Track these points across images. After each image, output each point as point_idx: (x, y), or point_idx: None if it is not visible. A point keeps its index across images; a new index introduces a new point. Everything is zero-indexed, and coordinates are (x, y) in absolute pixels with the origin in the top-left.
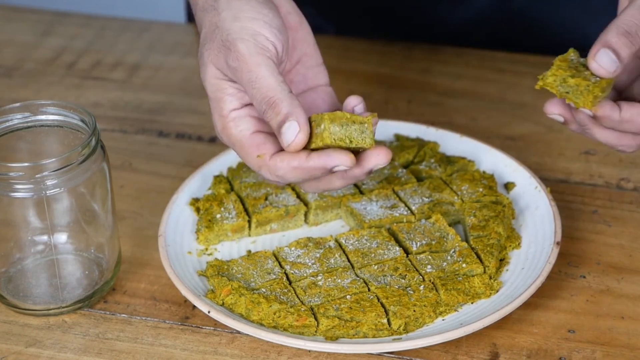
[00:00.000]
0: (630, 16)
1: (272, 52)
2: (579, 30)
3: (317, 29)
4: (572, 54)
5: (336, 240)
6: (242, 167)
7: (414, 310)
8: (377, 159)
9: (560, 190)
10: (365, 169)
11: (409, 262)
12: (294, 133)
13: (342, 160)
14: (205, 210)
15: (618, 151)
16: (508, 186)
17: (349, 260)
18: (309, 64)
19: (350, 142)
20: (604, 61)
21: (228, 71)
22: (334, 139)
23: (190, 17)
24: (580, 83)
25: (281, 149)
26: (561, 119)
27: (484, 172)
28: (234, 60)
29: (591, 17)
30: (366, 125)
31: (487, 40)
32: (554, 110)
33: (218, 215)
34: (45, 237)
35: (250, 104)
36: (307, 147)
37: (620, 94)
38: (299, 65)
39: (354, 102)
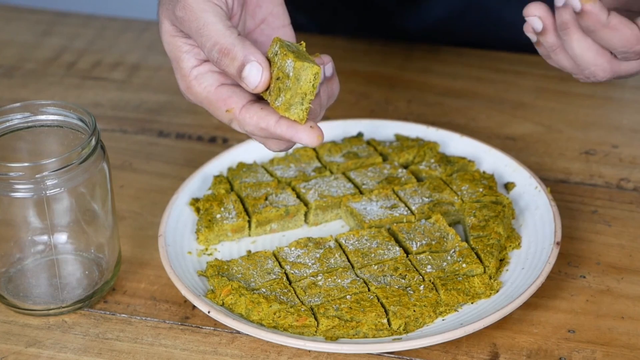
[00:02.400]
0: None
1: (221, 0)
2: None
3: (300, 28)
4: None
5: (336, 240)
6: (242, 167)
7: (414, 310)
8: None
9: (560, 190)
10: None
11: (409, 262)
12: (258, 74)
13: (308, 140)
14: (205, 210)
15: (588, 75)
16: (508, 186)
17: (349, 260)
18: (275, 24)
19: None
20: None
21: (177, 23)
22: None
23: None
24: None
25: (249, 100)
26: (539, 25)
27: (484, 172)
28: (180, 9)
29: None
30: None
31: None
32: (534, 12)
33: (218, 215)
34: (45, 237)
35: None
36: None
37: None
38: (263, 25)
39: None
